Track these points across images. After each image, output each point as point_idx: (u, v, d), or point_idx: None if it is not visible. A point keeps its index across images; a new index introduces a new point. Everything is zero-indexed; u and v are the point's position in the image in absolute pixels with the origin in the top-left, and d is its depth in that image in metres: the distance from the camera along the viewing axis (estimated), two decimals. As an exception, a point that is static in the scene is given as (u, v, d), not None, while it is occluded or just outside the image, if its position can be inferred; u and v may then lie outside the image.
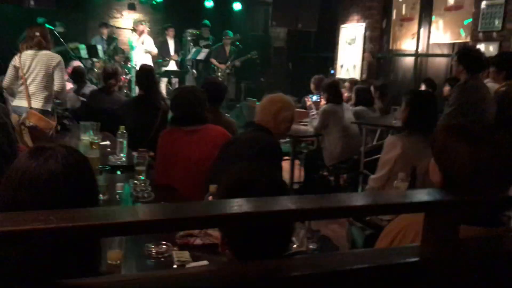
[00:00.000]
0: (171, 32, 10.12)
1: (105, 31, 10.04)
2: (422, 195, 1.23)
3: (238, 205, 1.02)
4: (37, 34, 4.41)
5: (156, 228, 0.95)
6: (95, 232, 0.90)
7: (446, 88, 6.39)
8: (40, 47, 4.39)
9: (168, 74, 9.38)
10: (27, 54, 4.36)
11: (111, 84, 4.84)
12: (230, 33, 9.99)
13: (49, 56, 4.44)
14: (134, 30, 9.79)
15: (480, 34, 6.25)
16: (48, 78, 4.42)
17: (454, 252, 1.19)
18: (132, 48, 9.54)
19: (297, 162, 6.02)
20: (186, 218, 0.95)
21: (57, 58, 4.50)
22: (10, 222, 0.85)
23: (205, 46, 10.23)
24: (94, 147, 3.65)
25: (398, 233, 1.52)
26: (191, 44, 10.48)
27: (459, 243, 1.21)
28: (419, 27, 7.56)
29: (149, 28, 9.82)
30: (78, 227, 0.86)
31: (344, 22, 9.14)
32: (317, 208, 1.06)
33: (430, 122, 2.98)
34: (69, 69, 7.72)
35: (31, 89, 4.34)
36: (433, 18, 7.23)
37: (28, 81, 4.33)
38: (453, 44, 6.94)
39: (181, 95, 3.05)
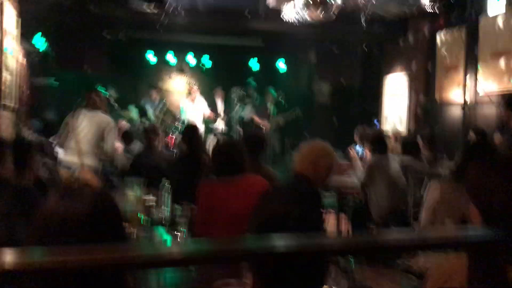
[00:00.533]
0: (219, 92, 10.47)
1: (155, 94, 10.47)
2: (468, 232, 1.15)
3: (274, 240, 0.99)
4: (93, 96, 4.93)
5: (177, 263, 0.93)
6: (116, 266, 0.88)
7: (497, 137, 6.17)
8: (94, 108, 4.77)
9: (215, 132, 9.59)
10: (81, 113, 4.66)
11: (151, 140, 4.98)
12: (272, 91, 10.20)
13: (102, 118, 4.82)
14: (189, 93, 10.18)
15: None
16: (98, 138, 4.66)
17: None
18: (183, 109, 9.90)
19: (343, 216, 5.87)
20: (215, 251, 0.92)
21: (109, 121, 4.90)
22: (29, 255, 0.85)
23: (250, 104, 10.46)
24: (138, 201, 3.72)
25: (443, 276, 1.42)
26: (237, 102, 10.74)
27: (508, 284, 1.12)
28: (465, 76, 7.43)
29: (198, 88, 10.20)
30: (97, 261, 0.85)
31: (387, 73, 9.13)
32: (356, 243, 1.01)
33: None
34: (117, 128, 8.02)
35: (83, 146, 4.56)
36: (479, 66, 7.10)
37: (80, 138, 4.56)
38: (502, 92, 6.74)
39: (220, 147, 3.09)
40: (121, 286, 1.19)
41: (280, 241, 1.00)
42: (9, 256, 0.82)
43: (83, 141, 4.62)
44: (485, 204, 1.33)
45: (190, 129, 4.61)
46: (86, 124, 4.77)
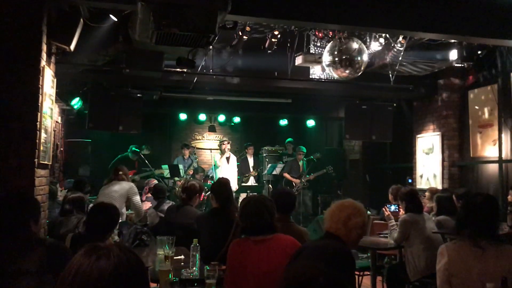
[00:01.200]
0: (250, 150, 10.59)
1: (186, 152, 10.66)
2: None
3: None
4: (121, 173, 6.07)
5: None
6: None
7: (510, 196, 5.96)
8: (119, 179, 6.02)
9: (246, 189, 9.58)
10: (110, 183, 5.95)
11: (183, 199, 5.00)
12: (303, 149, 10.24)
13: (126, 184, 5.98)
14: (221, 151, 10.32)
15: None
16: (124, 200, 5.89)
17: None
18: (216, 166, 10.00)
19: (379, 278, 5.66)
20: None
21: (132, 185, 6.04)
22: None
23: (286, 162, 10.50)
24: (167, 260, 3.68)
25: None
26: (267, 160, 10.79)
27: None
28: (500, 133, 7.29)
29: (229, 147, 10.35)
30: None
31: (420, 132, 9.05)
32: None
33: (480, 228, 2.76)
34: (147, 188, 8.13)
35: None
36: (515, 122, 6.97)
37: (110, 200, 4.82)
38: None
39: (249, 204, 3.04)
40: None
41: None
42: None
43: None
44: None
45: (221, 186, 4.55)
46: (115, 189, 5.84)
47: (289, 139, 11.19)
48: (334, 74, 5.70)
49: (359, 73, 5.83)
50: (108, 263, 1.12)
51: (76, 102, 8.42)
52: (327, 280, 1.19)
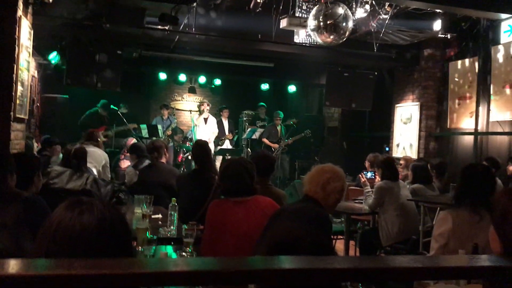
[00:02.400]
0: (225, 113, 10.52)
1: (165, 112, 10.55)
2: (483, 261, 1.11)
3: (282, 261, 0.96)
4: (95, 134, 6.09)
5: (183, 280, 0.89)
6: (120, 281, 0.85)
7: (510, 167, 6.10)
8: (94, 145, 5.82)
9: (223, 152, 9.58)
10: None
11: (154, 157, 5.00)
12: (281, 114, 10.24)
13: (101, 155, 5.81)
14: (200, 112, 10.24)
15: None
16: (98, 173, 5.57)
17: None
18: (194, 127, 9.94)
19: (352, 242, 5.79)
20: (221, 270, 0.89)
21: (106, 157, 5.92)
22: (34, 267, 0.83)
23: (261, 126, 10.49)
24: (145, 218, 3.68)
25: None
26: (247, 124, 10.78)
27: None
28: (477, 106, 7.40)
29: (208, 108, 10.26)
30: (101, 275, 0.82)
31: (399, 101, 9.12)
32: (367, 268, 0.97)
33: (481, 197, 2.84)
34: (128, 144, 8.08)
35: None
36: (492, 97, 7.06)
37: None
38: (515, 121, 6.70)
39: (230, 166, 3.05)
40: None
41: (288, 263, 0.97)
42: (14, 267, 0.80)
43: None
44: (509, 235, 1.29)
45: (201, 147, 4.55)
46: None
47: (261, 103, 11.15)
48: (318, 39, 5.64)
49: (343, 39, 5.79)
50: (91, 217, 1.11)
51: (53, 57, 8.20)
52: (313, 241, 1.20)
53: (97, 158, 5.70)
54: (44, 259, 0.89)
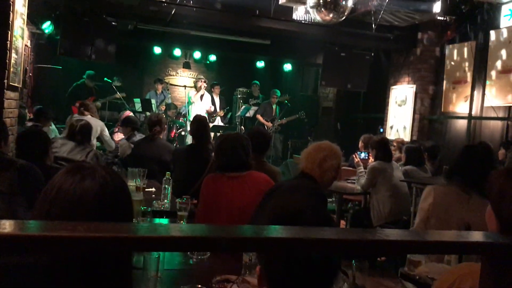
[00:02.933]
0: (217, 89, 10.48)
1: (159, 87, 10.47)
2: (479, 236, 1.12)
3: (272, 230, 0.96)
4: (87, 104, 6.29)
5: (184, 247, 0.89)
6: (123, 244, 0.85)
7: (501, 152, 6.14)
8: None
9: (216, 129, 9.55)
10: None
11: (155, 131, 4.98)
12: (278, 92, 10.20)
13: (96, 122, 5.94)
14: (194, 86, 10.18)
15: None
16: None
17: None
18: (189, 103, 9.88)
19: (343, 222, 5.84)
20: (217, 237, 0.88)
21: (101, 123, 6.07)
22: (37, 228, 0.82)
23: (254, 104, 10.45)
24: (139, 191, 3.68)
25: (451, 284, 1.39)
26: (241, 101, 10.73)
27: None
28: (472, 90, 7.40)
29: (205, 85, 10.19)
30: (104, 238, 0.81)
31: (394, 83, 9.10)
32: (363, 240, 0.97)
33: (473, 177, 2.85)
34: (122, 117, 8.05)
35: None
36: (488, 82, 7.07)
37: None
38: (509, 107, 6.72)
39: (226, 141, 3.04)
40: (126, 274, 1.15)
41: (278, 231, 0.97)
42: (9, 228, 0.79)
43: None
44: (506, 214, 1.30)
45: (199, 123, 4.56)
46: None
47: (255, 81, 11.10)
48: (317, 17, 5.59)
49: (342, 18, 5.74)
50: (93, 183, 1.09)
51: (47, 26, 8.06)
52: (314, 213, 1.20)
53: (95, 125, 5.77)
54: (49, 221, 0.88)
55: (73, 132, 4.38)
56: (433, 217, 2.85)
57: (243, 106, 10.29)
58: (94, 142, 5.87)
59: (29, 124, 6.11)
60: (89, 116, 6.04)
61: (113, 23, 7.69)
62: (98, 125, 6.01)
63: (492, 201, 1.40)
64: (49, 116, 6.52)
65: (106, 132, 6.28)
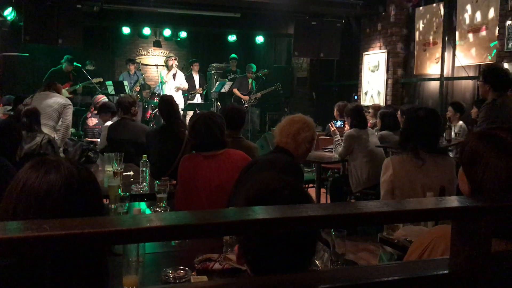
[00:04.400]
0: (196, 66, 10.35)
1: (132, 67, 10.29)
2: (450, 202, 1.14)
3: (256, 211, 0.96)
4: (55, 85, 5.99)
5: (156, 237, 0.89)
6: (93, 240, 0.84)
7: (474, 111, 6.24)
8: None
9: (193, 107, 9.48)
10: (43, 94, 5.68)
11: (127, 112, 4.94)
12: (254, 67, 10.10)
13: (61, 99, 5.81)
14: (165, 65, 10.01)
15: (507, 54, 6.12)
16: (59, 115, 5.65)
17: (485, 265, 1.09)
18: (162, 83, 9.75)
19: (323, 190, 5.91)
20: (196, 223, 0.88)
21: (68, 101, 5.86)
22: (2, 230, 0.80)
23: (232, 79, 10.36)
24: (116, 176, 3.66)
25: (426, 246, 1.42)
26: (215, 77, 10.64)
27: (490, 256, 1.11)
28: (443, 51, 7.46)
29: (177, 63, 10.03)
30: (71, 235, 0.80)
31: (366, 49, 9.12)
32: (338, 214, 0.98)
33: (423, 141, 2.92)
34: (96, 101, 7.92)
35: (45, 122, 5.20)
36: (457, 42, 7.13)
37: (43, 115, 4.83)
38: (479, 66, 6.80)
39: (199, 121, 3.02)
40: (100, 262, 1.15)
41: (262, 213, 0.97)
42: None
43: (45, 118, 5.03)
44: (477, 177, 1.33)
45: (166, 102, 4.47)
46: (48, 104, 5.54)
47: (233, 55, 10.98)
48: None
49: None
50: (58, 176, 1.08)
51: (9, 13, 7.81)
52: (292, 191, 1.20)
53: (53, 105, 5.62)
54: (12, 221, 0.86)
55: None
56: (397, 187, 2.93)
57: (218, 82, 10.21)
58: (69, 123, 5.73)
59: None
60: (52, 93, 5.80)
61: (77, 5, 7.49)
62: (63, 100, 5.80)
63: (464, 163, 1.41)
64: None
65: (69, 109, 5.86)
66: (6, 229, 0.82)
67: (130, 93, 9.41)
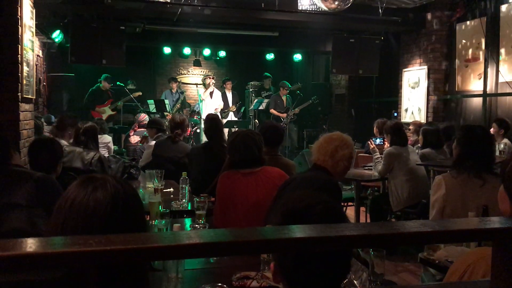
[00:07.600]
0: (228, 84, 10.49)
1: (174, 86, 10.55)
2: (492, 222, 1.12)
3: (293, 230, 0.97)
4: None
5: (194, 253, 0.91)
6: (136, 255, 0.87)
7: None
8: None
9: (231, 124, 9.58)
10: None
11: (177, 134, 4.98)
12: (287, 83, 10.15)
13: None
14: (203, 84, 10.20)
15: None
16: None
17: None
18: (200, 101, 9.92)
19: (362, 208, 5.83)
20: (235, 241, 0.90)
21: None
22: (51, 245, 0.85)
23: (266, 97, 10.45)
24: (157, 192, 3.73)
25: (467, 268, 1.39)
26: (253, 95, 10.74)
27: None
28: (486, 67, 7.29)
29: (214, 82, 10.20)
30: (115, 251, 0.84)
31: (406, 66, 9.01)
32: (375, 234, 0.98)
33: (482, 160, 2.83)
34: (137, 124, 8.11)
35: None
36: (501, 57, 6.96)
37: None
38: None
39: (238, 138, 3.06)
40: (141, 276, 1.18)
41: (299, 232, 0.98)
42: (31, 246, 0.82)
43: None
44: None
45: (211, 121, 4.59)
46: None
47: (266, 74, 11.10)
48: (323, 6, 5.56)
49: (348, 5, 5.70)
50: (105, 194, 1.12)
51: (57, 35, 8.17)
52: (324, 208, 1.21)
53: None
54: (60, 237, 0.91)
55: (77, 135, 4.27)
56: (448, 206, 2.85)
57: (256, 100, 10.30)
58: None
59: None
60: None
61: (121, 27, 7.75)
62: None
63: (505, 182, 1.38)
64: (66, 122, 6.53)
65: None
66: (55, 244, 0.87)
67: (171, 112, 9.62)
